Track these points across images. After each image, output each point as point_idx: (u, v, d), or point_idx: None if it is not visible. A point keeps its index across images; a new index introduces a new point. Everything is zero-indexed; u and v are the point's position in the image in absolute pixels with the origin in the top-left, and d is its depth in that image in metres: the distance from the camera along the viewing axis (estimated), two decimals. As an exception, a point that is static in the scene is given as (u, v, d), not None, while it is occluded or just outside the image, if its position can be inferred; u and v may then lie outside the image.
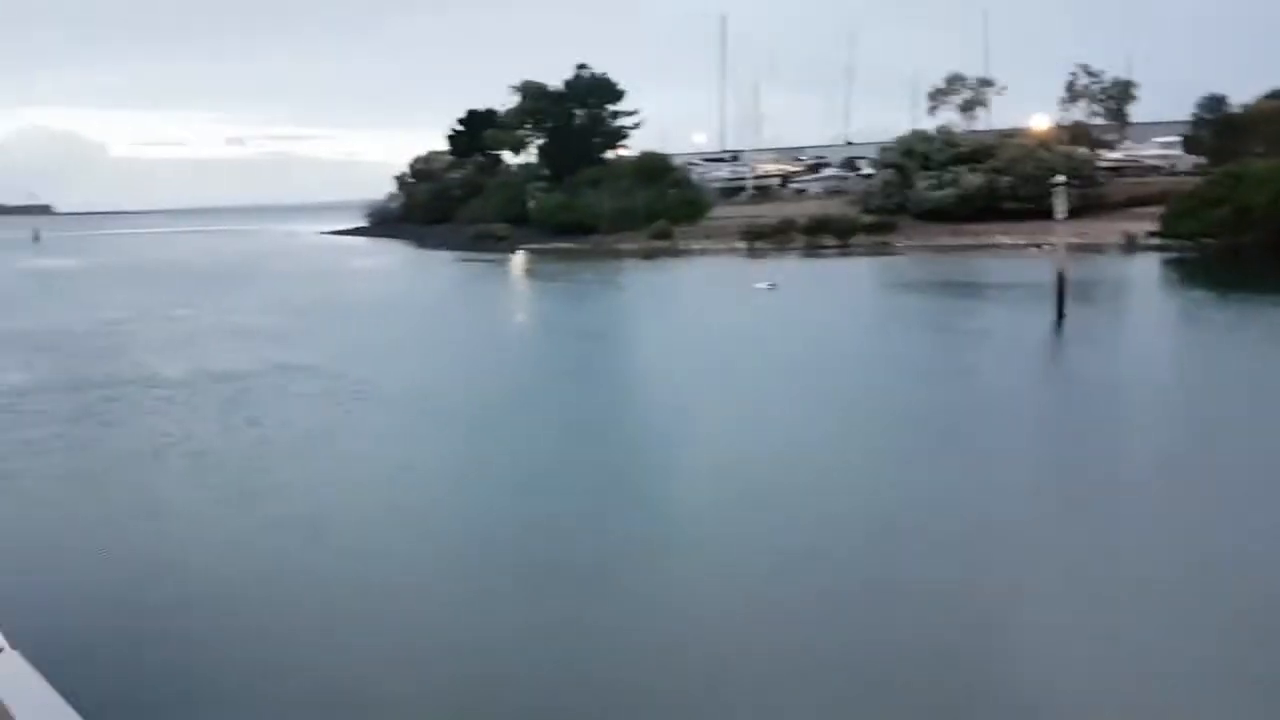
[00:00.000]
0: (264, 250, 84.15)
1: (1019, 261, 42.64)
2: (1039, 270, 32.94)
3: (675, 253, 55.36)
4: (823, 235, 53.41)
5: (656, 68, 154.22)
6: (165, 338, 28.46)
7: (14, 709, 2.51)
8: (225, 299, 39.10)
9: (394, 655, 8.91)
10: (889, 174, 59.88)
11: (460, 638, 9.20)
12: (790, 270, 44.67)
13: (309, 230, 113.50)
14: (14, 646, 2.78)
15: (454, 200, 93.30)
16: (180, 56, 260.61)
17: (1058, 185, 28.97)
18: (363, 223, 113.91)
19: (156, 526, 12.62)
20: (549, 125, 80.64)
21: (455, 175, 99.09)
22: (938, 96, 68.13)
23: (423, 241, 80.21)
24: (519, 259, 59.87)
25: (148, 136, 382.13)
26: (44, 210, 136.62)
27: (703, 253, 54.47)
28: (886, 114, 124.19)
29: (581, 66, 79.83)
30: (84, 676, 5.58)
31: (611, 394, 21.29)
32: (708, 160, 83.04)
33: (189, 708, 7.98)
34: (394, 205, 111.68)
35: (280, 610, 9.93)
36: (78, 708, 2.40)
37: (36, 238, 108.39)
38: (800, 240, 53.64)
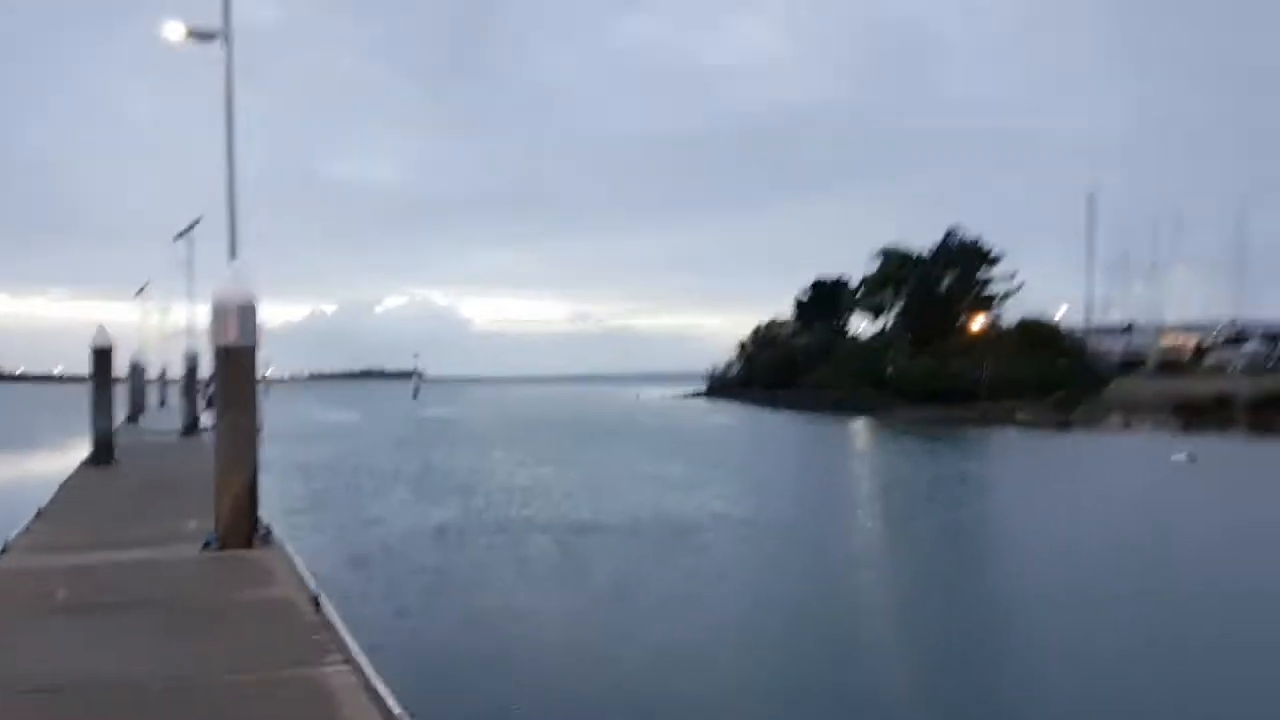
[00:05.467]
0: (619, 408, 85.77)
1: None
2: None
3: (1081, 425, 48.40)
4: (1274, 414, 44.21)
5: (1015, 240, 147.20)
6: (574, 482, 26.46)
7: None
8: (608, 448, 38.37)
9: None
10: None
11: None
12: (1233, 449, 37.13)
13: (654, 394, 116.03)
14: None
15: (799, 366, 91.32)
16: (529, 247, 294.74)
17: None
18: (704, 387, 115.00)
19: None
20: (911, 290, 76.68)
21: (801, 341, 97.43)
22: None
23: (769, 405, 77.91)
24: (878, 424, 55.37)
25: (506, 315, 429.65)
26: (417, 375, 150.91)
27: (1120, 427, 47.08)
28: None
29: (951, 231, 75.82)
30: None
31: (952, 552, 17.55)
32: (1097, 331, 75.27)
33: None
34: (734, 372, 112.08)
35: None
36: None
37: (416, 394, 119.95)
38: (1245, 418, 44.72)
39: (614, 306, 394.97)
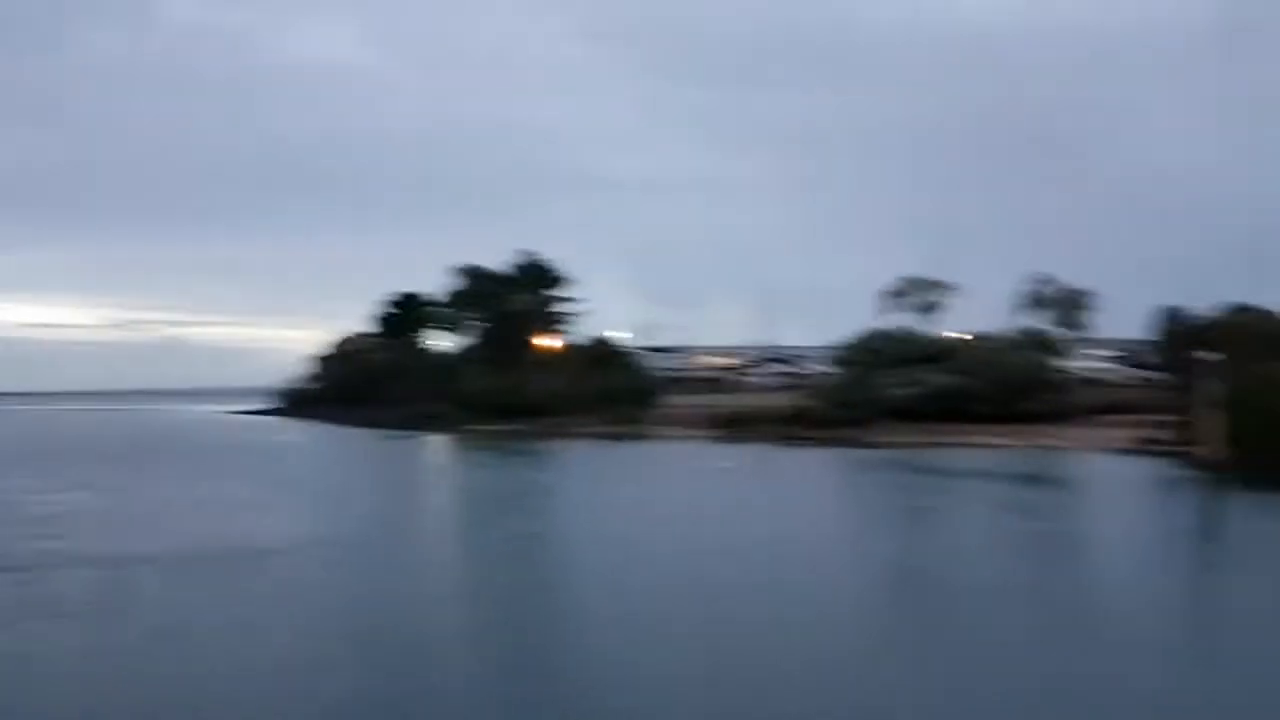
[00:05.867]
0: (174, 426, 78.52)
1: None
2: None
3: (639, 436, 52.91)
4: (795, 426, 51.54)
5: (578, 266, 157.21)
6: (117, 509, 23.82)
7: None
8: (159, 470, 35.92)
9: None
10: (851, 370, 58.79)
11: None
12: (763, 455, 43.12)
13: (218, 410, 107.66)
14: None
15: (378, 381, 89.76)
16: (68, 246, 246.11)
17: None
18: (274, 404, 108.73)
19: None
20: (488, 307, 78.85)
21: (381, 356, 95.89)
22: (893, 298, 67.44)
23: (346, 421, 75.85)
24: (455, 438, 56.54)
25: (27, 319, 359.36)
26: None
27: (671, 437, 52.08)
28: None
29: (524, 253, 79.15)
30: None
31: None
32: (646, 351, 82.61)
33: None
34: (311, 386, 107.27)
35: None
36: None
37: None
38: (771, 430, 51.56)
39: (163, 315, 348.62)
